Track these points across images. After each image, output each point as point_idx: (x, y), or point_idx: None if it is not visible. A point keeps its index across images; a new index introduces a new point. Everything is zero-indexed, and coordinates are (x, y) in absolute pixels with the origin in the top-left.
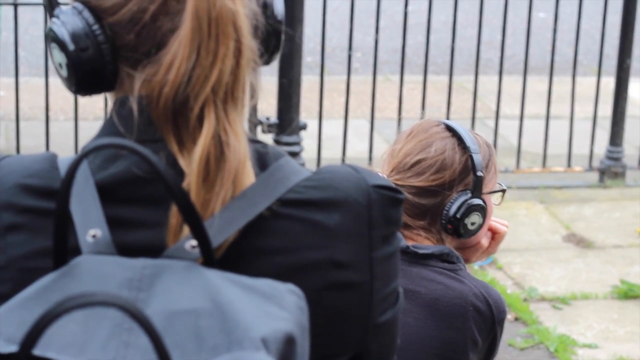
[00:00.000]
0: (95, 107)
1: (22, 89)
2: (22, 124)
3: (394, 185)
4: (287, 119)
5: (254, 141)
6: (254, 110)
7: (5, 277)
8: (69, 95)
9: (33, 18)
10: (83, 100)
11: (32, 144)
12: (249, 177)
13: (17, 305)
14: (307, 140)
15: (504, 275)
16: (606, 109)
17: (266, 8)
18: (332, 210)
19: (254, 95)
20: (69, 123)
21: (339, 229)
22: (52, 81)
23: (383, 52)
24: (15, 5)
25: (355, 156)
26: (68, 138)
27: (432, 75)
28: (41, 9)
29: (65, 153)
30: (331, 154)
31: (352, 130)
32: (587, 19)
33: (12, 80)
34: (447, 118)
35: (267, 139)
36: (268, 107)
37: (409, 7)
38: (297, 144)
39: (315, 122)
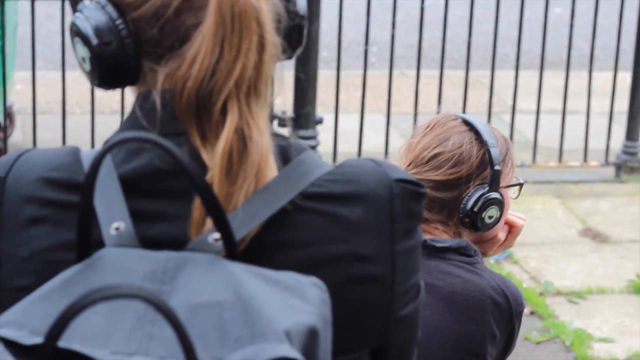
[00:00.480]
0: (112, 101)
1: (39, 82)
2: (38, 118)
3: (415, 179)
4: (304, 113)
5: (276, 135)
6: (270, 104)
7: (28, 269)
8: (85, 89)
9: (49, 12)
10: (99, 93)
11: (49, 138)
12: (272, 170)
13: (41, 298)
14: (324, 134)
15: (520, 269)
16: (622, 104)
17: (289, 2)
18: (354, 203)
19: (278, 89)
20: (86, 117)
21: (361, 222)
22: (69, 75)
23: (399, 46)
24: (33, 0)
25: (372, 150)
26: (84, 132)
27: (449, 70)
28: (57, 4)
29: (81, 146)
30: (347, 148)
31: (368, 125)
32: (603, 15)
33: (29, 74)
34: (464, 113)
35: (283, 132)
36: (284, 101)
37: (425, 2)
38: (314, 138)
39: (332, 116)
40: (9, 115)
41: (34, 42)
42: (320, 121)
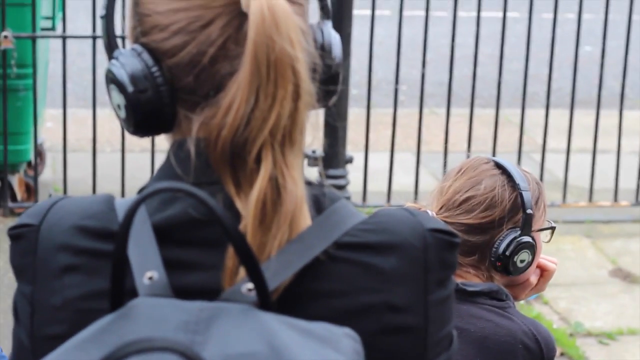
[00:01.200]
0: (142, 139)
1: (70, 120)
2: (69, 156)
3: (450, 229)
4: (334, 152)
5: (310, 184)
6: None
7: (61, 318)
8: (115, 127)
9: (80, 50)
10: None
11: (79, 176)
12: (306, 220)
13: (74, 347)
14: (353, 173)
15: (550, 310)
16: None
17: (324, 51)
18: (388, 253)
19: (313, 136)
20: (116, 154)
21: (395, 272)
22: (99, 112)
23: (428, 84)
24: (64, 38)
25: (401, 189)
26: (115, 170)
27: (478, 109)
28: (88, 41)
29: (111, 185)
30: (377, 187)
31: (398, 164)
32: (633, 52)
33: (60, 111)
34: (494, 152)
35: (313, 172)
36: (314, 140)
37: (456, 40)
38: (343, 177)
39: (362, 155)
40: (39, 153)
41: (64, 79)
42: (350, 160)
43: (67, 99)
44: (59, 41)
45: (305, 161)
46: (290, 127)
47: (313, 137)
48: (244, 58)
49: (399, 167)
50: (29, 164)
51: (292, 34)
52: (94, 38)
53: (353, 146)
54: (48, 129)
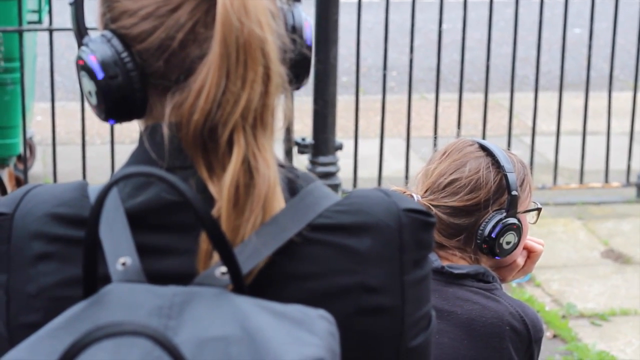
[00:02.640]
0: (132, 131)
1: (59, 113)
2: (58, 149)
3: (424, 209)
4: (323, 139)
5: (283, 166)
6: (289, 131)
7: (36, 305)
8: None
9: (69, 43)
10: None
11: (69, 169)
12: (279, 202)
13: (47, 335)
14: (344, 160)
15: (542, 292)
16: None
17: (295, 33)
18: (363, 234)
19: (285, 120)
20: (106, 147)
21: (370, 253)
22: (88, 105)
23: (418, 70)
24: (51, 31)
25: (392, 175)
26: (105, 162)
27: (468, 93)
28: None
29: (102, 177)
30: (367, 174)
31: (388, 149)
32: (622, 34)
33: (49, 105)
34: (483, 135)
35: (303, 159)
36: (304, 127)
37: (444, 26)
38: (334, 164)
39: (352, 142)
40: (29, 146)
41: (52, 72)
42: (340, 147)
43: (55, 92)
44: (47, 34)
45: (295, 149)
46: (261, 109)
47: (303, 124)
48: (213, 41)
49: (389, 153)
50: (19, 157)
51: (260, 16)
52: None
53: (343, 133)
54: (38, 123)
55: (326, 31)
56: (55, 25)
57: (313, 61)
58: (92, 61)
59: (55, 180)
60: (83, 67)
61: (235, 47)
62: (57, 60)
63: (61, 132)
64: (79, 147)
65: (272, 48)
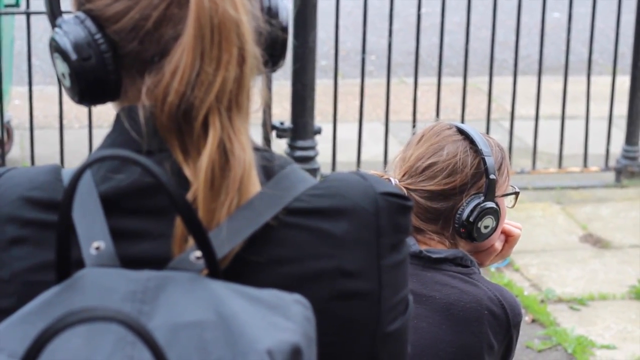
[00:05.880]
0: (110, 115)
1: (36, 97)
2: (36, 133)
3: (402, 192)
4: (302, 123)
5: (259, 149)
6: (268, 114)
7: (9, 291)
8: None
9: (46, 27)
10: (97, 107)
11: (47, 153)
12: (255, 186)
13: (19, 320)
14: (322, 144)
15: (521, 277)
16: (622, 108)
17: (270, 15)
18: (339, 218)
19: (261, 102)
20: (84, 131)
21: (346, 237)
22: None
23: (397, 54)
24: (28, 15)
25: (371, 159)
26: (82, 146)
27: (447, 77)
28: None
29: (80, 161)
30: (346, 158)
31: (367, 134)
32: (601, 18)
33: (26, 89)
34: (462, 120)
35: (282, 143)
36: (282, 111)
37: (423, 9)
38: (312, 148)
39: (330, 126)
40: (7, 130)
41: (30, 56)
42: (318, 131)
43: (33, 75)
44: (24, 18)
45: (274, 133)
46: (236, 91)
47: (282, 108)
48: (187, 21)
49: (368, 137)
50: None
51: None
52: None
53: (322, 117)
54: (15, 107)
55: (305, 15)
56: (32, 8)
57: (291, 44)
58: (65, 43)
59: (33, 164)
60: (56, 49)
61: (210, 28)
62: (34, 44)
63: (39, 116)
64: (57, 131)
65: (247, 29)
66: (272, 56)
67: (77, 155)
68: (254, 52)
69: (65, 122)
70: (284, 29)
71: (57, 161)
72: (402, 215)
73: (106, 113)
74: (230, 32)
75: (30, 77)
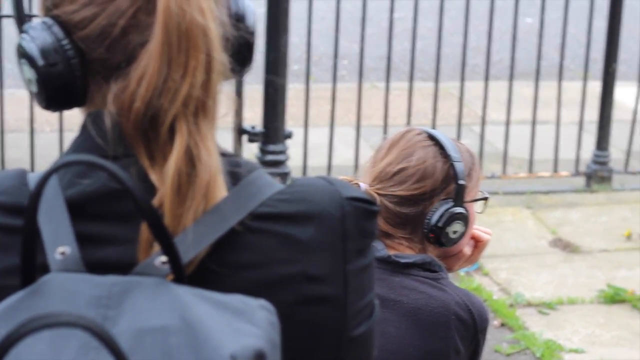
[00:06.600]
0: (81, 119)
1: (7, 101)
2: (7, 136)
3: (368, 197)
4: (273, 128)
5: (226, 155)
6: (239, 118)
7: None
8: None
9: None
10: (68, 111)
11: (17, 156)
12: (221, 191)
13: None
14: (293, 148)
15: (490, 281)
16: (592, 114)
17: (238, 20)
18: (305, 223)
19: (231, 108)
20: (54, 135)
21: (312, 242)
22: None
23: (369, 59)
24: (0, 18)
25: (342, 164)
26: (53, 150)
27: (419, 82)
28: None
29: (50, 165)
30: (317, 162)
31: (339, 138)
32: (573, 24)
33: None
34: (434, 124)
35: (253, 147)
36: (254, 115)
37: (395, 14)
38: (283, 152)
39: (302, 130)
40: None
41: (1, 60)
42: (289, 135)
43: (4, 79)
44: None
45: (245, 137)
46: (203, 97)
47: (252, 112)
48: (154, 28)
49: (339, 141)
50: None
51: (202, 3)
52: (31, 17)
53: (293, 121)
54: None
55: (277, 19)
56: (4, 12)
57: (264, 49)
58: (32, 48)
59: (3, 167)
60: (23, 55)
61: (177, 35)
62: (6, 47)
63: (10, 120)
64: (28, 135)
65: (214, 35)
66: (240, 60)
67: (48, 159)
68: (221, 58)
69: (36, 125)
70: (252, 33)
71: (28, 165)
72: (368, 220)
73: (77, 117)
74: (197, 39)
75: (1, 81)
